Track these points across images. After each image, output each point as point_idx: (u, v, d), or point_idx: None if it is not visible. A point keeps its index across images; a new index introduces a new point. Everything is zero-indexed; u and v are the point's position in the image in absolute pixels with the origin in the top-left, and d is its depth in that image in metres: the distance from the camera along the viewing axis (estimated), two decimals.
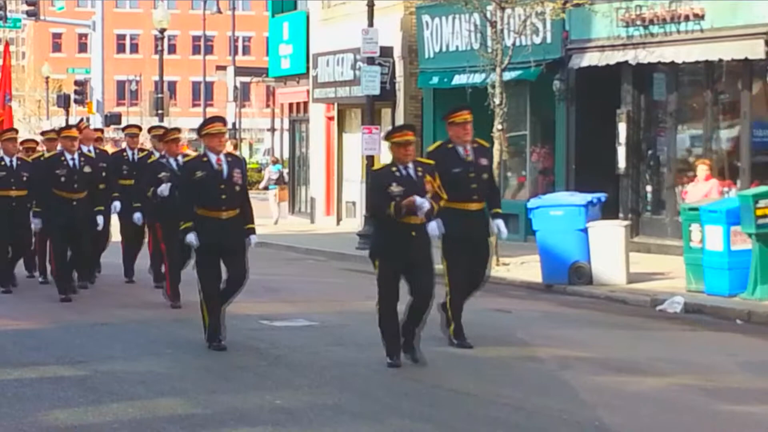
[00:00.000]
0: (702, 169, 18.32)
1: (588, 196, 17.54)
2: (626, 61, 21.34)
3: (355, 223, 28.27)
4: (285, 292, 15.57)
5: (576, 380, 10.40)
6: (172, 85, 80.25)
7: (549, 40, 22.80)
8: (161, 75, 40.57)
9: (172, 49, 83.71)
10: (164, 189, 14.67)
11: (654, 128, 22.12)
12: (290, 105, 34.78)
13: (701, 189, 18.24)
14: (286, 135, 35.62)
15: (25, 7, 40.69)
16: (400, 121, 27.53)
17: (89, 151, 16.47)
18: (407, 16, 27.08)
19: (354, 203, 29.80)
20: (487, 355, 11.51)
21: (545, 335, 11.96)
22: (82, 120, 20.82)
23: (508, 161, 24.08)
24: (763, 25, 18.82)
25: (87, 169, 15.32)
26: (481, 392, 9.81)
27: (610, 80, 21.81)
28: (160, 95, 41.40)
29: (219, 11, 58.33)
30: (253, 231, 11.78)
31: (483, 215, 11.93)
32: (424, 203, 10.52)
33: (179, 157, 14.68)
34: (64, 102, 53.68)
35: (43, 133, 18.91)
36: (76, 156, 15.30)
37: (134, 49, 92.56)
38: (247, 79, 48.34)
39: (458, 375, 10.14)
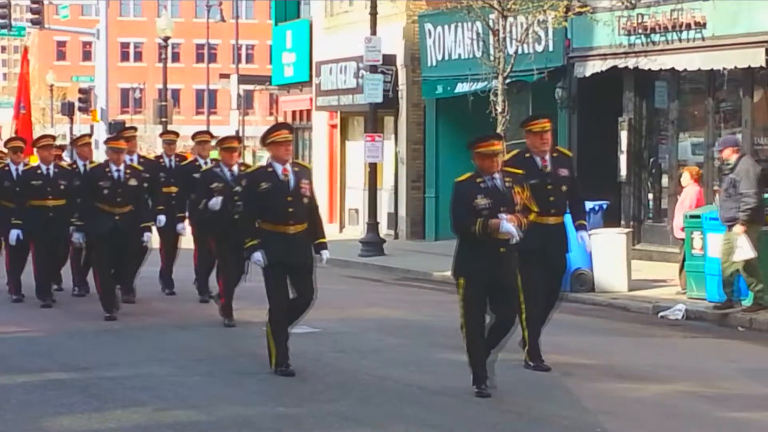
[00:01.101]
0: (684, 177, 18.25)
1: (590, 204, 17.56)
2: (628, 69, 21.38)
3: (357, 230, 28.28)
4: None
5: (578, 387, 10.44)
6: (176, 93, 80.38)
7: (551, 48, 22.82)
8: (165, 83, 40.70)
9: (175, 57, 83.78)
10: (215, 203, 13.62)
11: (655, 136, 22.15)
12: (293, 113, 34.81)
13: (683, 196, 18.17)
14: None
15: (30, 16, 40.71)
16: (402, 129, 27.60)
17: (131, 160, 15.39)
18: (410, 25, 27.14)
19: (357, 210, 29.82)
20: (489, 362, 11.52)
21: (547, 342, 11.94)
22: (129, 129, 19.45)
23: None
24: (764, 33, 18.83)
25: (132, 182, 14.24)
26: (484, 399, 9.84)
27: (612, 88, 21.84)
28: (163, 103, 41.50)
29: (222, 19, 58.42)
30: (324, 246, 11.04)
31: (561, 229, 11.18)
32: (511, 230, 9.66)
33: (234, 167, 13.88)
34: (68, 110, 53.77)
35: (75, 140, 17.91)
36: (121, 168, 14.23)
37: (138, 57, 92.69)
38: (250, 87, 48.42)
39: (460, 381, 10.14)
